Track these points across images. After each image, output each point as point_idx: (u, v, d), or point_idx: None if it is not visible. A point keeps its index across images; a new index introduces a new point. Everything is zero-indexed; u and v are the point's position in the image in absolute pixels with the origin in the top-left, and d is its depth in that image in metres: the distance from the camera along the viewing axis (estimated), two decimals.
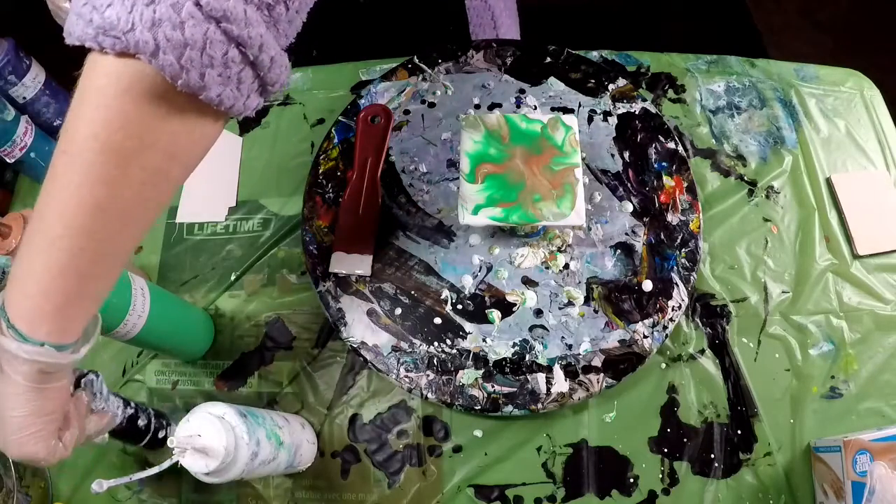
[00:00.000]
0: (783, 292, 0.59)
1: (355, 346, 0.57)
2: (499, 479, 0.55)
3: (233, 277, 0.65)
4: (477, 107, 0.67)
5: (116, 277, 0.36)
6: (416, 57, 0.70)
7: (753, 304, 0.59)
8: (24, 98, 0.69)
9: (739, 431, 0.55)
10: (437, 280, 0.59)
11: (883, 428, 0.49)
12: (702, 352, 0.58)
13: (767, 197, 0.64)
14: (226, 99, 0.31)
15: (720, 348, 0.58)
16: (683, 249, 0.58)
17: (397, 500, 0.55)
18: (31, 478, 0.58)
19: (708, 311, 0.59)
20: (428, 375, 0.55)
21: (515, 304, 0.57)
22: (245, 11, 0.29)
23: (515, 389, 0.54)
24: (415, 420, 0.57)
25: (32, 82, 0.69)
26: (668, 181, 0.61)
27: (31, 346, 0.33)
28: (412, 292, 0.58)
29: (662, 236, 0.59)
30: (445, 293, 0.58)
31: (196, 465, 0.41)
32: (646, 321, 0.56)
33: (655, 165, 0.62)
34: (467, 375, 0.55)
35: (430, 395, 0.55)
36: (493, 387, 0.54)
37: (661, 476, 0.54)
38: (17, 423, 0.35)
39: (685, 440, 0.55)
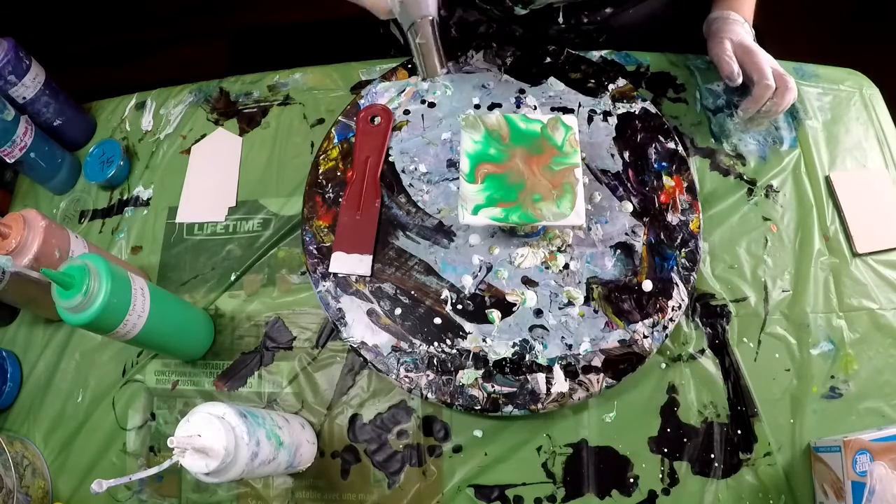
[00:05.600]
0: (783, 291, 0.59)
1: (355, 346, 0.57)
2: (499, 479, 0.55)
3: (233, 277, 0.65)
4: (477, 107, 0.67)
5: None
6: None
7: (753, 303, 0.59)
8: (24, 98, 0.69)
9: (739, 431, 0.55)
10: (437, 280, 0.59)
11: (883, 428, 0.49)
12: (702, 352, 0.58)
13: (767, 196, 0.64)
14: None
15: (720, 348, 0.58)
16: (683, 249, 0.58)
17: (397, 500, 0.55)
18: (31, 478, 0.58)
19: (708, 311, 0.59)
20: (428, 375, 0.55)
21: (515, 304, 0.57)
22: None
23: (515, 389, 0.54)
24: (415, 420, 0.57)
25: (32, 82, 0.69)
26: (667, 181, 0.61)
27: None
28: (412, 292, 0.58)
29: (662, 236, 0.59)
30: (445, 293, 0.58)
31: (196, 466, 0.41)
32: (646, 321, 0.56)
33: (655, 165, 0.62)
34: (467, 375, 0.55)
35: (430, 395, 0.55)
36: (493, 387, 0.54)
37: (661, 476, 0.54)
38: None
39: (685, 440, 0.55)
